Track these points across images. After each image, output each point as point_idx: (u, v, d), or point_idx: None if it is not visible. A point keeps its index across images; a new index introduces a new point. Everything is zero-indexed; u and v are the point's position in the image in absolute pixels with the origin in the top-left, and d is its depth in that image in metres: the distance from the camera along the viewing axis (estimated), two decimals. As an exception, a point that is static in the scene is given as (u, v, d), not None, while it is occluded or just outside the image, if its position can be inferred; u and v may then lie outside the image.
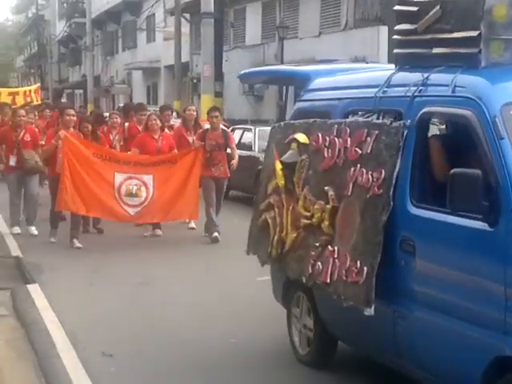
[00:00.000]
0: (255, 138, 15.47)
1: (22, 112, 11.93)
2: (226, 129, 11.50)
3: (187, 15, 31.37)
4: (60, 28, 56.23)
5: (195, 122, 12.01)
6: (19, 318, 7.20)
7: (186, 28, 31.15)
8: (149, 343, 6.52)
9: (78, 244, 10.50)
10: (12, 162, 11.44)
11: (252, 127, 16.43)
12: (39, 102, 23.39)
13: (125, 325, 7.06)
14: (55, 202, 10.61)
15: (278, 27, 24.70)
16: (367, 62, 12.12)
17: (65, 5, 55.28)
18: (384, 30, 21.78)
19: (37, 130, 12.62)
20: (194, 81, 30.90)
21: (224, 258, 9.98)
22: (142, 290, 8.42)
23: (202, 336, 6.70)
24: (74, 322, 6.99)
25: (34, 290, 8.22)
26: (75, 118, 11.11)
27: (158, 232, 11.41)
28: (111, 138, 12.65)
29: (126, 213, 10.72)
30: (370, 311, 4.64)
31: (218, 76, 22.83)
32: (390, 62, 21.68)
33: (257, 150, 14.88)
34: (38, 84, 32.46)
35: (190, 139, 11.61)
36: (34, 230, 11.47)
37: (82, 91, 49.16)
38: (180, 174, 10.91)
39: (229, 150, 11.25)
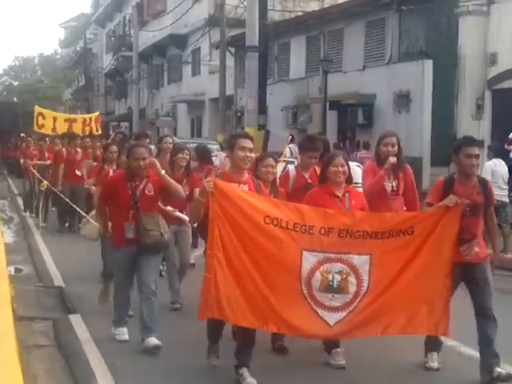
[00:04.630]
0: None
1: (142, 150, 7.13)
2: (483, 177, 7.10)
3: (232, 49, 31.76)
4: (107, 61, 57.17)
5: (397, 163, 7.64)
6: (60, 348, 7.21)
7: (230, 61, 31.42)
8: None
9: (249, 379, 6.09)
10: (129, 232, 7.14)
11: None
12: (100, 133, 21.30)
13: (168, 358, 6.96)
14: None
15: (322, 61, 24.75)
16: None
17: (112, 39, 56.22)
18: (429, 63, 21.77)
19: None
20: (238, 114, 31.09)
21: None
22: (188, 326, 7.83)
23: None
24: (114, 354, 6.95)
25: (76, 320, 8.21)
26: (254, 156, 6.62)
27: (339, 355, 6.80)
28: None
29: (320, 321, 6.15)
30: None
31: (262, 109, 22.89)
32: (434, 95, 21.75)
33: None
34: (98, 112, 27.14)
35: (389, 187, 7.64)
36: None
37: (127, 124, 49.72)
38: (420, 255, 6.26)
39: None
